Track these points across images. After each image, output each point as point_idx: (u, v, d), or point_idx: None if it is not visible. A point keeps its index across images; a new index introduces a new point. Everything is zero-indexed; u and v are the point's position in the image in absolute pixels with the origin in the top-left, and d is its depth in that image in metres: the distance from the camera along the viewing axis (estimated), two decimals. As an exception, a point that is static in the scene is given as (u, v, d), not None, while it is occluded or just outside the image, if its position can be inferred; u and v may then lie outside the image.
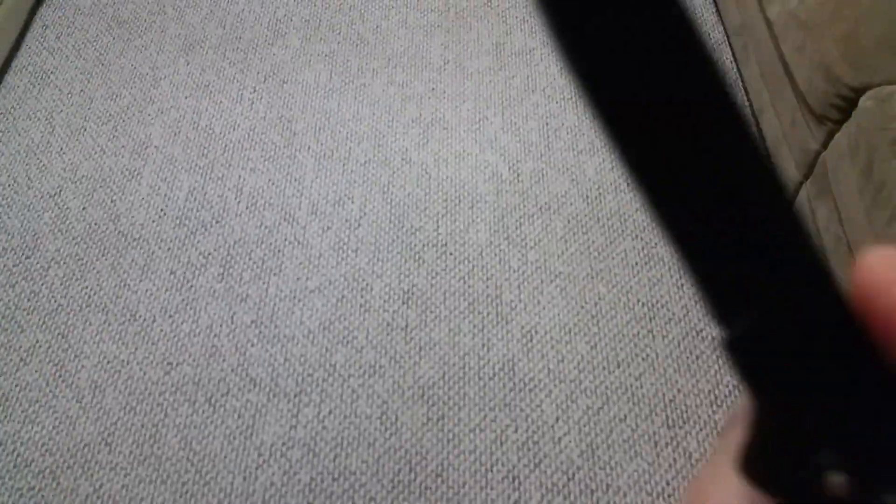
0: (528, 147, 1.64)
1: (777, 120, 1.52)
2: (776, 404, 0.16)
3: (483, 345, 1.37)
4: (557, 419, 1.29)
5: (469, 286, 1.44)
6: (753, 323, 0.16)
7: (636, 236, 1.51)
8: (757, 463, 0.16)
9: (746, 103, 1.71)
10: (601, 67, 0.16)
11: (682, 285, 1.44)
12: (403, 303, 1.44)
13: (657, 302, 1.42)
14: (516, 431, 1.28)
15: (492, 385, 1.33)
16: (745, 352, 0.16)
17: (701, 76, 0.16)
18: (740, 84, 1.74)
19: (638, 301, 1.42)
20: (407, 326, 1.41)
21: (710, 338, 1.39)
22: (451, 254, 1.49)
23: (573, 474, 1.23)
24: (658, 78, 0.16)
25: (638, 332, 1.38)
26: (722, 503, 0.17)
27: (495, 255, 1.49)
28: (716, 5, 1.90)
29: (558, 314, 1.39)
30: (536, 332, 1.38)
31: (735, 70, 1.77)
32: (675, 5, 0.15)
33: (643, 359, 1.35)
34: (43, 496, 1.24)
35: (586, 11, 0.15)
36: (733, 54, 1.78)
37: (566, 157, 1.63)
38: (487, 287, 1.44)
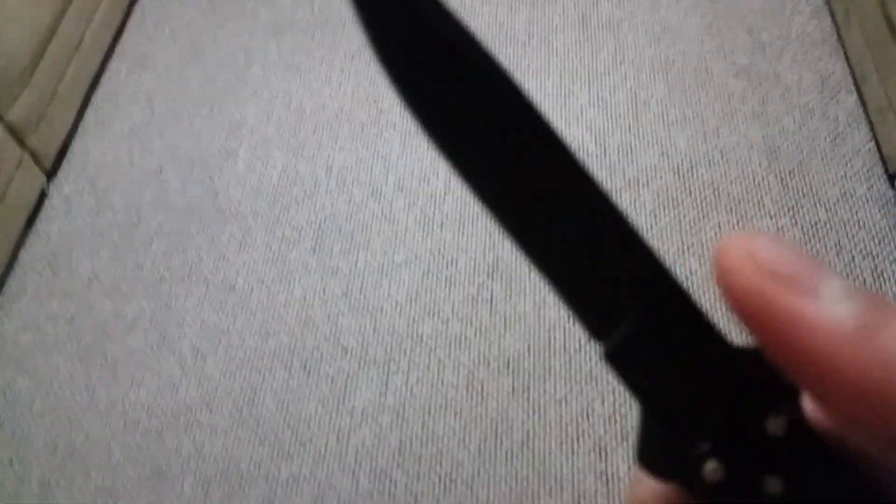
0: (615, 120, 1.62)
1: (882, 88, 1.44)
2: (656, 405, 0.18)
3: (569, 318, 1.37)
4: (647, 392, 1.27)
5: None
6: (626, 333, 0.18)
7: (730, 209, 1.46)
8: (649, 454, 0.18)
9: (847, 71, 1.62)
10: None
11: (779, 259, 1.39)
12: (489, 276, 1.44)
13: (752, 276, 1.38)
14: (603, 404, 1.27)
15: (577, 358, 1.33)
16: (621, 362, 0.18)
17: None
18: (842, 52, 1.65)
19: (731, 275, 1.38)
20: (492, 299, 1.42)
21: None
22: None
23: (664, 448, 1.21)
24: None
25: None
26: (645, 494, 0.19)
27: (582, 228, 1.47)
28: (814, -30, 1.81)
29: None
30: (625, 305, 1.36)
31: (836, 37, 1.68)
32: None
33: (736, 336, 1.31)
34: (150, 454, 1.32)
35: None
36: (833, 20, 1.70)
37: (656, 129, 1.59)
38: (574, 260, 1.43)
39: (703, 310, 0.18)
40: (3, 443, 1.36)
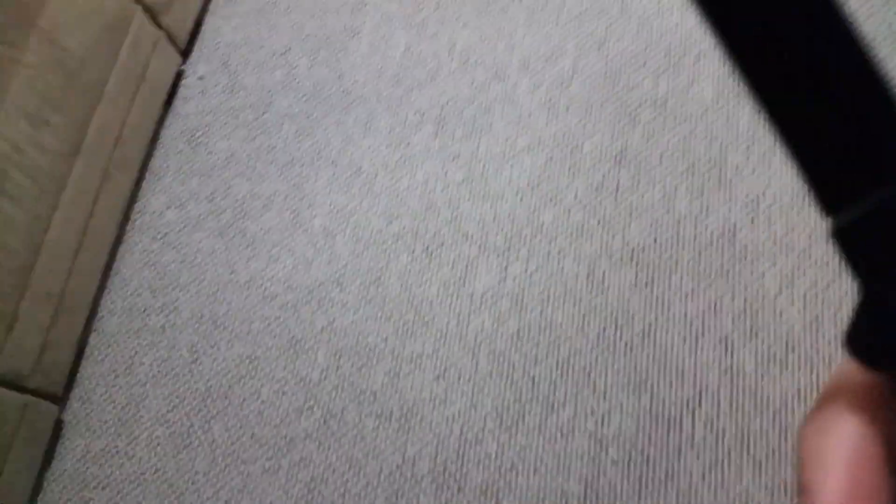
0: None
1: None
2: (880, 290, 0.17)
3: (701, 210, 1.31)
4: (781, 290, 1.22)
5: (689, 147, 1.36)
6: (860, 212, 0.17)
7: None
8: (865, 342, 0.17)
9: None
10: None
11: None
12: (616, 164, 1.39)
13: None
14: (733, 300, 1.23)
15: (708, 252, 1.28)
16: (851, 240, 0.17)
17: None
18: None
19: None
20: (618, 189, 1.37)
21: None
22: (670, 112, 1.40)
23: (794, 347, 1.17)
24: None
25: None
26: (843, 446, 0.18)
27: (721, 113, 1.37)
28: None
29: (791, 180, 1.28)
30: (764, 198, 1.28)
31: None
32: None
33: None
34: (287, 326, 1.43)
35: None
36: None
37: None
38: (710, 149, 1.35)
39: None
40: (155, 310, 1.51)
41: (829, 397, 0.18)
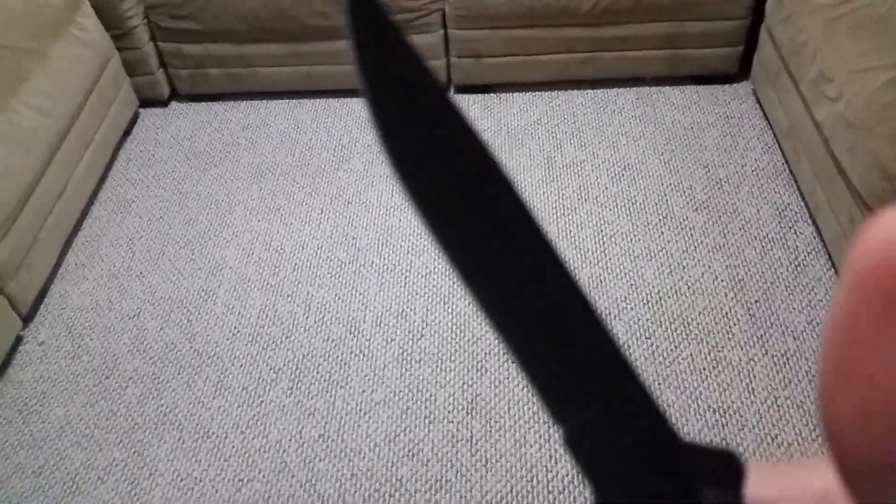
0: (583, 254, 1.67)
1: (835, 218, 1.52)
2: (604, 489, 0.19)
3: (550, 456, 1.35)
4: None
5: (533, 395, 1.44)
6: (582, 421, 0.20)
7: (701, 340, 1.49)
8: None
9: (802, 203, 1.71)
10: None
11: (753, 390, 1.41)
12: (468, 413, 1.44)
13: (728, 408, 1.39)
14: (590, 548, 1.23)
15: (561, 500, 1.30)
16: (577, 447, 0.20)
17: None
18: (794, 185, 1.75)
19: (708, 407, 1.39)
20: (472, 438, 1.41)
21: (785, 443, 1.33)
22: (513, 362, 1.50)
23: None
24: None
25: (711, 441, 1.34)
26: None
27: (558, 363, 1.49)
28: (762, 110, 1.95)
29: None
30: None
31: (788, 171, 1.79)
32: None
33: (718, 468, 1.31)
34: None
35: None
36: (784, 156, 1.81)
37: (623, 262, 1.65)
38: (552, 396, 1.43)
39: (664, 412, 0.19)
40: None
41: None
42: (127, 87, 2.09)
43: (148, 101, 2.19)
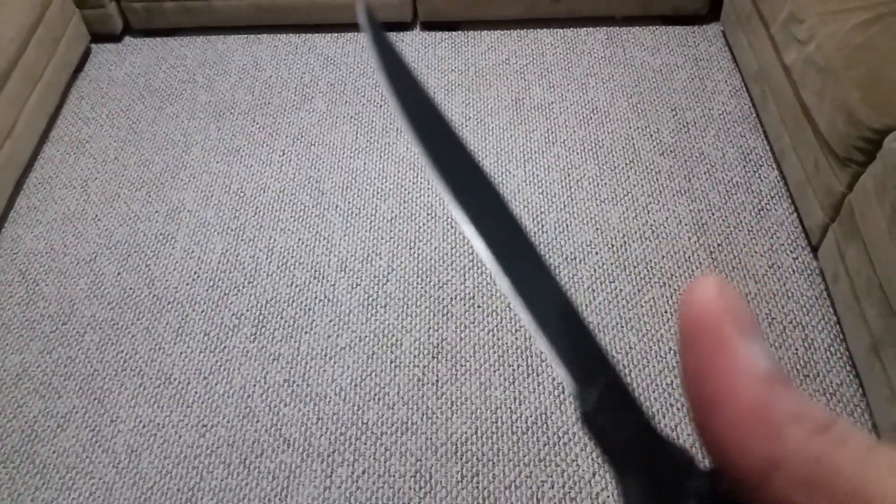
0: (550, 199, 1.66)
1: (800, 163, 1.53)
2: (620, 464, 0.20)
3: (514, 398, 1.37)
4: (594, 473, 1.27)
5: (498, 339, 1.45)
6: (597, 399, 0.20)
7: (664, 283, 1.50)
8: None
9: (767, 147, 1.72)
10: None
11: (714, 332, 1.43)
12: (433, 357, 1.44)
13: (689, 350, 1.41)
14: (552, 487, 1.26)
15: (525, 439, 1.32)
16: (593, 426, 0.20)
17: None
18: (761, 129, 1.75)
19: (669, 349, 1.41)
20: (438, 381, 1.41)
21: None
22: (479, 306, 1.50)
23: (613, 530, 1.21)
24: None
25: (671, 382, 1.37)
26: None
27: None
28: (731, 52, 1.93)
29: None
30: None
31: (754, 115, 1.78)
32: None
33: (678, 409, 1.34)
34: (80, 563, 1.24)
35: None
36: (751, 100, 1.80)
37: (589, 207, 1.64)
38: (517, 339, 1.44)
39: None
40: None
41: None
42: (77, 20, 1.98)
43: (100, 37, 2.08)
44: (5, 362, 1.48)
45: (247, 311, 1.52)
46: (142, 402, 1.40)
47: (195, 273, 1.59)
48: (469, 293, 1.52)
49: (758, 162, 1.71)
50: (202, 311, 1.52)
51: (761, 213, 1.61)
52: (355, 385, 1.41)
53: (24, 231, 1.69)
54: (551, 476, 1.27)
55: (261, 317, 1.51)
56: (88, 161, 1.82)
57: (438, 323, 1.48)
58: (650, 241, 1.57)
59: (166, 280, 1.58)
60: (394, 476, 1.30)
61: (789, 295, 1.48)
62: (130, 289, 1.57)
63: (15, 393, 1.44)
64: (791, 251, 1.54)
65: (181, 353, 1.46)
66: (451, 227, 1.63)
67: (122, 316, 1.53)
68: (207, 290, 1.56)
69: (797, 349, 1.41)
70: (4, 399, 1.43)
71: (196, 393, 1.41)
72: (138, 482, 1.31)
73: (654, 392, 1.36)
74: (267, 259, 1.60)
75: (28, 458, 1.35)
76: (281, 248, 1.62)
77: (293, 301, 1.54)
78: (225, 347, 1.47)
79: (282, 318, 1.51)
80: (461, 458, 1.31)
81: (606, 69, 1.93)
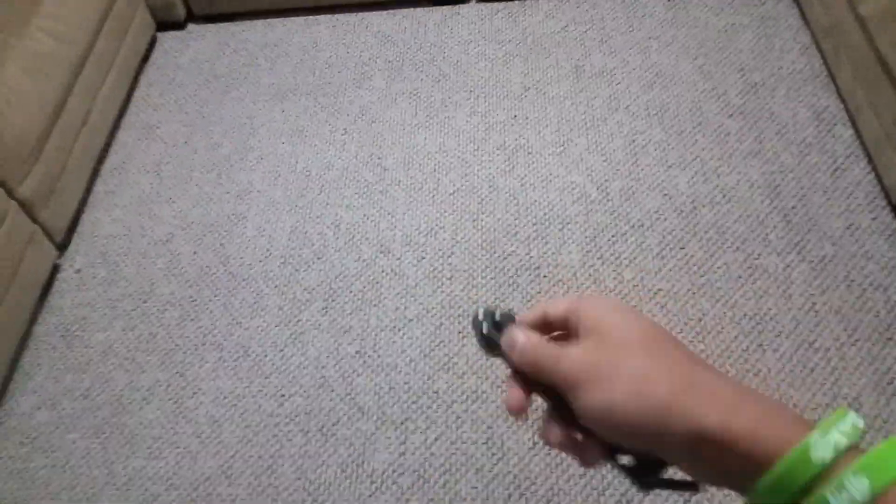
0: (615, 166, 1.64)
1: (877, 120, 1.47)
2: (643, 479, 0.38)
3: (585, 366, 1.36)
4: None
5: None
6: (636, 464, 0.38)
7: (737, 248, 1.47)
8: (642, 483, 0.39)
9: (841, 105, 1.65)
10: None
11: (790, 296, 1.39)
12: (501, 327, 1.44)
13: (764, 315, 1.38)
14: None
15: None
16: (643, 481, 0.38)
17: None
18: (833, 87, 1.69)
19: (744, 315, 1.38)
20: (506, 351, 1.42)
21: (823, 349, 1.33)
22: (544, 276, 1.50)
23: (690, 496, 1.20)
24: None
25: (747, 347, 1.34)
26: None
27: (589, 275, 1.48)
28: (799, 8, 1.85)
29: (661, 331, 1.37)
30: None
31: (826, 72, 1.72)
32: None
33: (754, 374, 1.31)
34: (171, 527, 1.31)
35: None
36: (823, 57, 1.73)
37: (656, 172, 1.61)
38: (585, 308, 1.43)
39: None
40: (21, 524, 1.35)
41: None
42: (143, 10, 2.04)
43: (164, 25, 2.14)
44: (91, 340, 1.56)
45: (317, 285, 1.56)
46: (221, 374, 1.46)
47: (267, 250, 1.63)
48: (534, 263, 1.52)
49: (831, 121, 1.64)
50: (275, 287, 1.57)
51: (836, 172, 1.56)
52: (424, 356, 1.43)
53: (102, 215, 1.77)
54: (625, 442, 1.26)
55: (331, 291, 1.55)
56: (160, 146, 1.88)
57: (504, 294, 1.49)
58: (721, 205, 1.54)
59: (240, 257, 1.62)
60: (466, 443, 1.31)
61: (868, 256, 1.43)
62: (206, 267, 1.62)
63: (102, 369, 1.51)
64: (870, 211, 1.49)
65: (258, 327, 1.51)
66: (514, 198, 1.63)
67: (200, 293, 1.58)
68: (279, 266, 1.60)
69: (878, 312, 1.36)
70: (93, 374, 1.50)
71: (273, 364, 1.45)
72: (221, 451, 1.36)
73: (728, 359, 1.34)
74: (334, 235, 1.64)
75: (118, 429, 1.42)
76: (347, 224, 1.65)
77: (361, 275, 1.56)
78: (298, 321, 1.51)
79: (350, 291, 1.54)
80: (533, 426, 1.31)
81: (669, 31, 1.88)
